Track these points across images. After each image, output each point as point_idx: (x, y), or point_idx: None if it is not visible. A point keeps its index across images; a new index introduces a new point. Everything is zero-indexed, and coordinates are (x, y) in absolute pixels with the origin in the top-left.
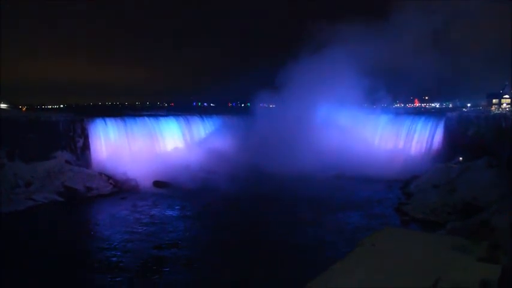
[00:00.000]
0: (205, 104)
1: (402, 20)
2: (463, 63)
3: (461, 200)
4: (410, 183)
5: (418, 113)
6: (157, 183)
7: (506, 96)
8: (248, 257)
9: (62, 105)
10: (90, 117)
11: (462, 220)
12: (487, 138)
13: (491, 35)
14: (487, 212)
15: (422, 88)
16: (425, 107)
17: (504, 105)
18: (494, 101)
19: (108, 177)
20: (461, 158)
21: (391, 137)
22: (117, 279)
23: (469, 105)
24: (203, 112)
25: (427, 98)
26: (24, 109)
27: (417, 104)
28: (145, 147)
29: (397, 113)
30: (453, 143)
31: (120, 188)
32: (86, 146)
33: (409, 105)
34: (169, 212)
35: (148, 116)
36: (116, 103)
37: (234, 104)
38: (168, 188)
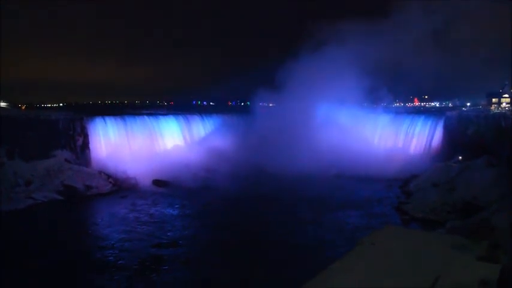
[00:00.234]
0: (204, 102)
1: (402, 20)
2: (462, 62)
3: (461, 199)
4: (410, 182)
5: (418, 112)
6: (157, 182)
7: (506, 95)
8: (248, 256)
9: (61, 104)
10: (90, 116)
11: (462, 219)
12: (486, 138)
13: (491, 35)
14: (487, 211)
15: (422, 87)
16: (424, 106)
17: (504, 104)
18: (493, 100)
19: (108, 176)
20: (460, 157)
21: (391, 136)
22: (116, 278)
23: (468, 104)
24: (203, 111)
25: (426, 97)
26: (23, 108)
27: (417, 103)
28: (145, 146)
29: (397, 112)
30: (453, 142)
31: (119, 187)
32: (86, 145)
33: (408, 105)
34: (168, 211)
35: (148, 114)
36: (116, 102)
37: (233, 103)
38: (167, 186)
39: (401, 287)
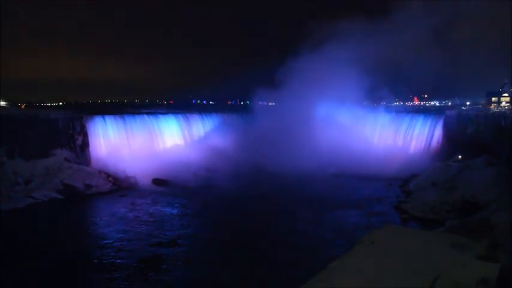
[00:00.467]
0: (204, 101)
1: (402, 19)
2: (462, 61)
3: (460, 198)
4: (410, 181)
5: (418, 111)
6: (156, 181)
7: (506, 94)
8: (248, 255)
9: (61, 103)
10: (90, 115)
11: (461, 218)
12: (486, 137)
13: (491, 34)
14: (487, 210)
15: (422, 86)
16: (424, 105)
17: (503, 103)
18: (493, 99)
19: (108, 175)
20: (460, 156)
21: (391, 135)
22: (116, 277)
23: (468, 103)
24: (202, 110)
25: (426, 96)
26: (23, 107)
27: (416, 102)
28: (145, 145)
29: (397, 112)
30: (452, 141)
31: (119, 186)
32: (85, 144)
33: (408, 104)
34: (168, 210)
35: (148, 114)
36: (115, 101)
37: (233, 101)
38: (167, 185)
39: (401, 286)
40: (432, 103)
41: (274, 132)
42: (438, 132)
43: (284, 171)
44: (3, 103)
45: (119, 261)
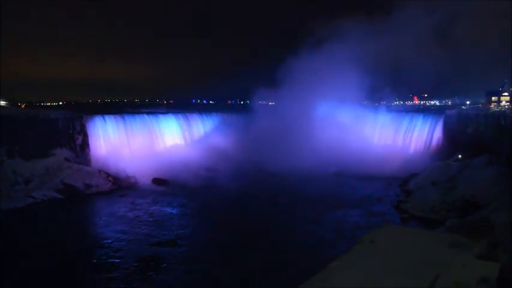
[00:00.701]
0: (204, 101)
1: (402, 19)
2: (462, 61)
3: (460, 197)
4: (410, 180)
5: (418, 110)
6: (156, 181)
7: (505, 94)
8: (248, 255)
9: (60, 103)
10: (89, 115)
11: (461, 218)
12: (486, 136)
13: (491, 34)
14: (486, 209)
15: (422, 86)
16: (424, 105)
17: (503, 103)
18: (493, 98)
19: (108, 175)
20: (460, 156)
21: (391, 135)
22: (116, 277)
23: (468, 102)
24: (202, 110)
25: (426, 95)
26: (23, 106)
27: (416, 102)
28: (145, 144)
29: (397, 111)
30: (452, 140)
31: (119, 186)
32: (85, 144)
33: (408, 103)
34: (168, 210)
35: (148, 113)
36: (115, 100)
37: (233, 101)
38: (167, 185)
39: (400, 286)
40: (432, 102)
41: (274, 132)
42: (438, 131)
43: (284, 170)
44: (3, 103)
45: (118, 260)
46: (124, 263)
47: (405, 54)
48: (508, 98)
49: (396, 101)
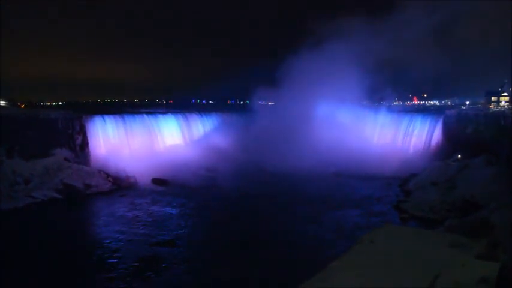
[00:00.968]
0: (204, 101)
1: (402, 18)
2: (462, 61)
3: (460, 197)
4: (409, 180)
5: (417, 110)
6: (156, 181)
7: (505, 94)
8: (247, 255)
9: (60, 103)
10: (89, 115)
11: (461, 218)
12: (485, 136)
13: (491, 34)
14: (486, 209)
15: (421, 86)
16: (424, 105)
17: (503, 103)
18: (493, 98)
19: (107, 175)
20: (460, 156)
21: (390, 135)
22: (115, 276)
23: (467, 103)
24: (202, 110)
25: (425, 95)
26: (22, 106)
27: (416, 102)
28: (144, 144)
29: (396, 111)
30: (452, 140)
31: (119, 186)
32: (85, 143)
33: (408, 103)
34: (168, 210)
35: (147, 113)
36: (115, 100)
37: (233, 101)
38: (167, 185)
39: (400, 285)
40: (432, 103)
41: (274, 132)
42: (438, 131)
43: (284, 170)
44: (2, 103)
45: (118, 260)
46: (124, 263)
47: (405, 54)
48: (507, 98)
49: (396, 101)
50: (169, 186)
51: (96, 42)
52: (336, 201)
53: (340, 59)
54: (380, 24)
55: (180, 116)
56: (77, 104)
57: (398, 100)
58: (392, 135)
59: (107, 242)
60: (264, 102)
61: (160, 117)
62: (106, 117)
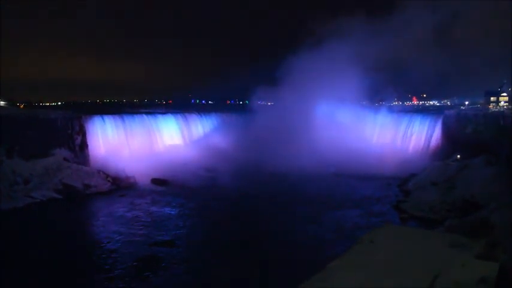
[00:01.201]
0: (203, 101)
1: (401, 18)
2: (461, 61)
3: (459, 197)
4: (409, 180)
5: (417, 110)
6: (155, 181)
7: (504, 94)
8: (247, 255)
9: (59, 103)
10: (88, 115)
11: (460, 218)
12: (485, 136)
13: (490, 34)
14: (486, 209)
15: (421, 86)
16: (423, 105)
17: (502, 103)
18: (492, 99)
19: (107, 175)
20: (459, 156)
21: (390, 135)
22: (115, 277)
23: (467, 103)
24: (202, 110)
25: (425, 95)
26: (22, 106)
27: (415, 102)
28: (144, 144)
29: (396, 111)
30: (451, 140)
31: (118, 186)
32: (84, 144)
33: (407, 103)
34: (167, 210)
35: (147, 113)
36: (114, 100)
37: (232, 101)
38: (166, 185)
39: (400, 285)
40: (431, 103)
41: (273, 132)
42: (437, 131)
43: (283, 170)
44: (2, 103)
45: (117, 260)
46: (123, 263)
47: (404, 54)
48: (506, 98)
49: (395, 101)
50: (168, 186)
51: (96, 42)
52: (336, 201)
53: (340, 59)
54: (380, 24)
55: (179, 116)
56: (77, 104)
57: (398, 100)
58: (392, 135)
59: (107, 242)
60: (263, 102)
61: (160, 117)
62: (105, 117)
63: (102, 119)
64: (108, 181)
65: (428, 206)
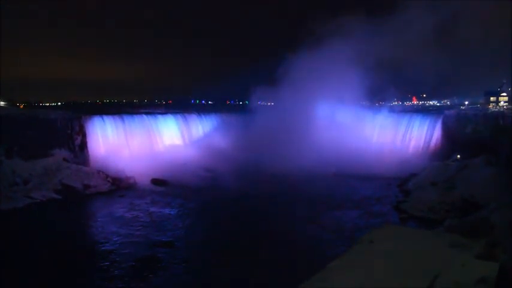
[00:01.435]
0: (203, 101)
1: (401, 18)
2: (461, 61)
3: (459, 197)
4: (409, 180)
5: (416, 110)
6: (155, 181)
7: (504, 94)
8: (247, 255)
9: (59, 103)
10: (88, 115)
11: (460, 217)
12: (485, 136)
13: (490, 34)
14: (486, 209)
15: (420, 86)
16: (423, 105)
17: (502, 103)
18: (492, 98)
19: (106, 175)
20: (459, 156)
21: (390, 135)
22: (114, 277)
23: (466, 103)
24: (201, 110)
25: (424, 95)
26: (22, 106)
27: (415, 102)
28: (144, 145)
29: (396, 111)
30: (451, 140)
31: (118, 186)
32: (84, 144)
33: (407, 103)
34: (167, 210)
35: (147, 113)
36: (114, 101)
37: (232, 102)
38: (166, 185)
39: (400, 286)
40: (431, 103)
41: (273, 132)
42: (437, 131)
43: (283, 171)
44: (2, 103)
45: (117, 261)
46: (122, 263)
47: (404, 54)
48: (506, 98)
49: (395, 101)
50: (168, 186)
51: (96, 42)
52: (336, 201)
53: (340, 59)
54: (380, 24)
55: (179, 116)
56: (76, 104)
57: (398, 100)
58: (392, 135)
59: (106, 242)
60: (263, 103)
61: (160, 117)
62: (105, 117)
63: (102, 119)
64: (108, 181)
65: (428, 206)
